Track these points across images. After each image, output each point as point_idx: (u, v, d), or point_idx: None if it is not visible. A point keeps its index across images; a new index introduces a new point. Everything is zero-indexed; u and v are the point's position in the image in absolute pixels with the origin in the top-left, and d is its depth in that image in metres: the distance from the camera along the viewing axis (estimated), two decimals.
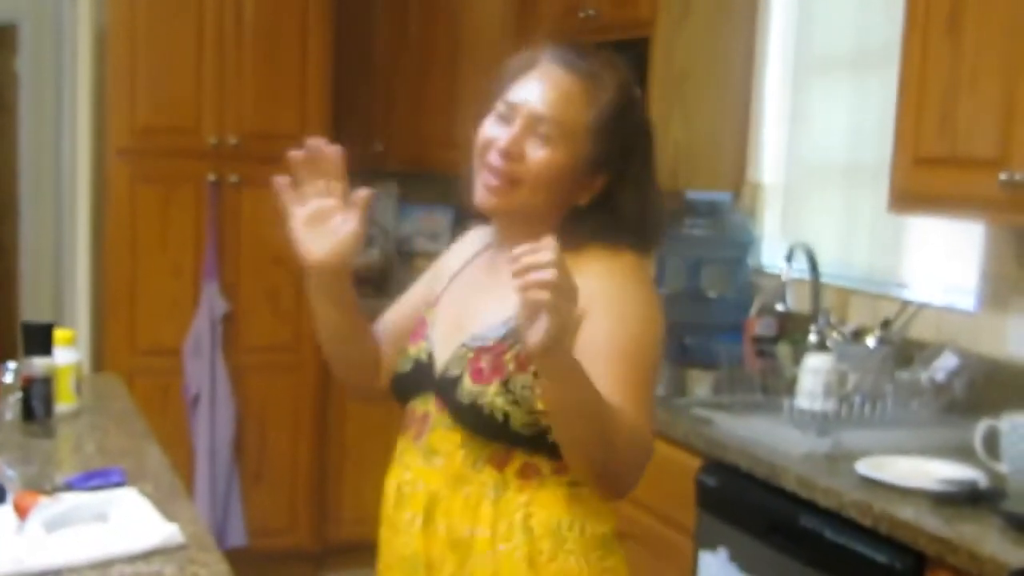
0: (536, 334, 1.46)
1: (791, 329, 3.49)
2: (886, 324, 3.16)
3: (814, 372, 2.92)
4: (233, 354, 4.62)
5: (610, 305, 1.72)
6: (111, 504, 1.99)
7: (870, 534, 2.34)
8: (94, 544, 1.82)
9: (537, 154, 1.79)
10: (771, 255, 3.88)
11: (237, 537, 4.61)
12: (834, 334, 3.22)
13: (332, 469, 4.86)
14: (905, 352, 3.14)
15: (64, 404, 2.68)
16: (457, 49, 4.99)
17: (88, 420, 2.73)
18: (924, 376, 2.98)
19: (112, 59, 4.42)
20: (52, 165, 5.75)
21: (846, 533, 2.40)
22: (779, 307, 3.46)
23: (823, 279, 3.42)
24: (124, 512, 1.97)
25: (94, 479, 2.17)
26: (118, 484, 2.16)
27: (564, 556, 1.80)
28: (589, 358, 1.58)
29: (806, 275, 3.44)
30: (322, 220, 1.81)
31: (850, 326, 3.30)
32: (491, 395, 1.75)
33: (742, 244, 3.88)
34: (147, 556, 1.82)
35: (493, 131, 1.83)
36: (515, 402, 1.74)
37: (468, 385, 1.78)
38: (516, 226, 1.84)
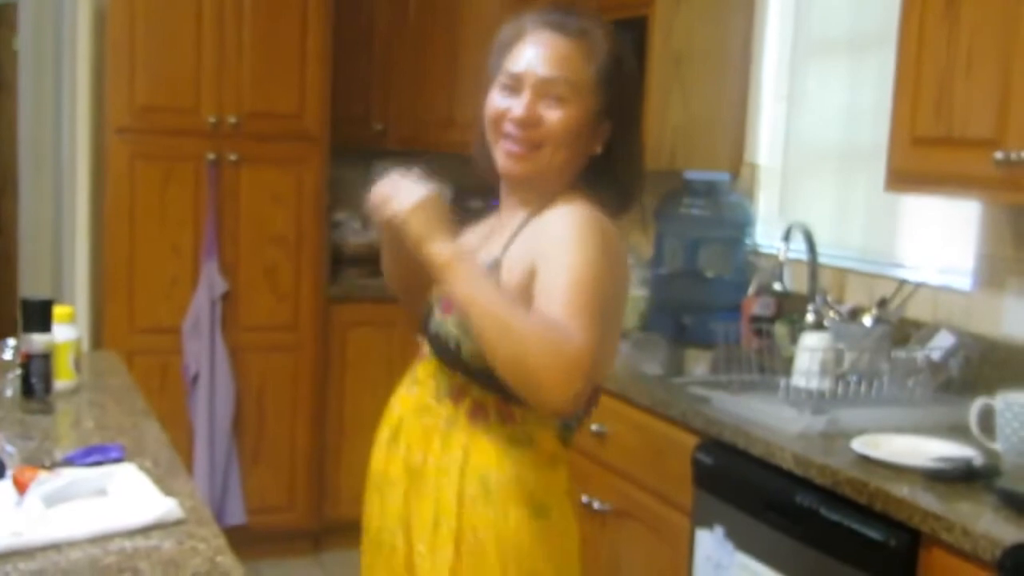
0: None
1: (788, 309, 3.50)
2: (882, 303, 3.17)
3: (810, 351, 2.93)
4: (232, 333, 4.63)
5: (572, 244, 1.84)
6: (110, 479, 2.00)
7: (865, 511, 2.36)
8: (93, 518, 1.83)
9: (553, 115, 1.91)
10: (768, 235, 3.88)
11: (236, 515, 4.63)
12: (831, 313, 3.23)
13: (330, 448, 4.88)
14: (902, 331, 3.15)
15: (63, 381, 2.69)
16: (456, 29, 4.98)
17: (87, 397, 2.74)
18: (920, 355, 2.99)
19: (111, 38, 4.42)
20: (51, 143, 5.74)
21: (841, 510, 2.41)
22: (776, 287, 3.46)
23: (820, 259, 3.43)
24: (123, 487, 1.98)
25: (93, 455, 2.18)
26: (117, 460, 2.17)
27: (484, 504, 1.90)
28: (550, 286, 1.79)
29: (803, 255, 3.44)
30: None
31: (847, 306, 3.31)
32: (449, 324, 1.93)
33: (740, 224, 3.89)
34: (146, 531, 1.83)
35: (502, 102, 1.95)
36: (466, 332, 1.87)
37: (436, 317, 1.98)
38: (535, 187, 1.98)
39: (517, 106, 1.92)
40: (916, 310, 3.18)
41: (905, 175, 2.82)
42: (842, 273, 3.52)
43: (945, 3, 2.67)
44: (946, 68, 2.66)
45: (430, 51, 5.05)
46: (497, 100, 1.96)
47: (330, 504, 4.91)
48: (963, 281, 3.12)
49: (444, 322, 1.95)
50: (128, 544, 1.78)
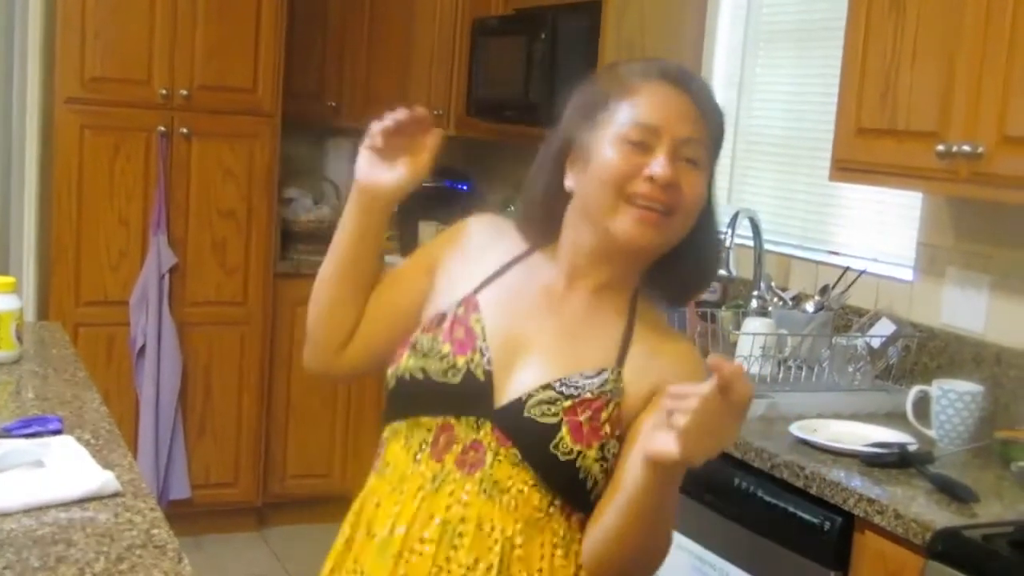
0: (664, 447, 1.43)
1: (734, 294, 3.53)
2: (825, 290, 3.21)
3: (753, 336, 2.97)
4: (180, 307, 4.61)
5: None
6: (48, 450, 1.99)
7: (802, 494, 2.39)
8: (28, 489, 1.82)
9: (690, 179, 1.61)
10: None
11: (180, 490, 4.60)
12: (775, 299, 3.26)
13: (276, 423, 4.87)
14: (843, 318, 3.20)
15: (3, 351, 2.67)
16: (411, 6, 4.98)
17: (28, 367, 2.72)
18: (860, 342, 3.03)
19: (62, 6, 4.37)
20: (0, 113, 5.69)
21: (779, 493, 2.45)
22: (722, 272, 3.49)
23: (766, 246, 3.46)
24: (60, 458, 1.97)
25: (31, 425, 2.17)
26: (55, 431, 2.16)
27: None
28: None
29: (750, 241, 3.47)
30: (392, 151, 1.71)
31: (791, 292, 3.34)
32: (590, 459, 1.59)
33: None
34: (82, 502, 1.83)
35: (631, 160, 1.60)
36: (606, 471, 1.61)
37: (569, 442, 1.58)
38: (628, 268, 1.69)
39: (657, 165, 1.57)
40: (858, 298, 3.22)
41: (849, 165, 2.85)
42: (787, 260, 3.55)
43: None
44: (892, 60, 2.70)
45: (385, 28, 5.04)
46: (621, 157, 1.59)
47: (275, 480, 4.91)
48: (905, 271, 3.16)
49: (584, 455, 1.57)
50: (63, 516, 1.78)
